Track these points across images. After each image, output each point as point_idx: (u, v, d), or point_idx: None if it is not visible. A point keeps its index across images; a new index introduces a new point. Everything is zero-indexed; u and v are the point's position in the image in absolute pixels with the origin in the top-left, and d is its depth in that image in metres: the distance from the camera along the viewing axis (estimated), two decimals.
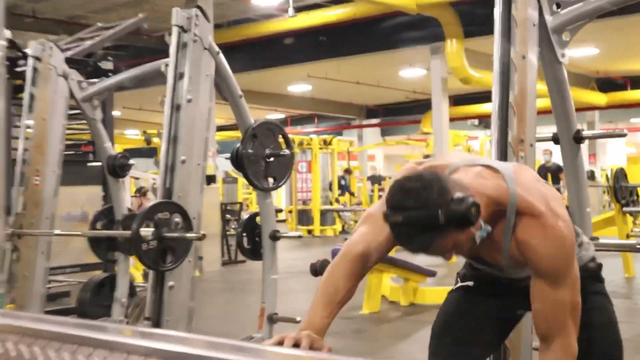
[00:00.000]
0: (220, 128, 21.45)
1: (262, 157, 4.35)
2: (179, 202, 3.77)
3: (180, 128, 3.86)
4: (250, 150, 4.29)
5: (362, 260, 1.95)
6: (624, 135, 3.04)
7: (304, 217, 17.60)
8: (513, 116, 2.75)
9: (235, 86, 4.26)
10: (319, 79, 17.82)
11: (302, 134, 23.27)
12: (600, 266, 2.29)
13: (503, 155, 2.74)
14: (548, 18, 2.91)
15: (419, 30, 14.01)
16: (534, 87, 2.84)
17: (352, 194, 19.31)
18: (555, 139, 3.11)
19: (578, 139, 3.07)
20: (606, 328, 2.24)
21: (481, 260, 2.15)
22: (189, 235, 3.69)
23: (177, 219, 3.70)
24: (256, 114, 24.02)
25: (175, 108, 3.89)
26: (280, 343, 1.68)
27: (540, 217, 1.86)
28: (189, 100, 3.86)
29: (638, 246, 2.71)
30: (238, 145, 4.31)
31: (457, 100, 19.64)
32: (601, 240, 2.83)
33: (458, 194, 1.74)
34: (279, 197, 26.21)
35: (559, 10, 2.93)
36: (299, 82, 18.95)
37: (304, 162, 18.33)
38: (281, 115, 24.94)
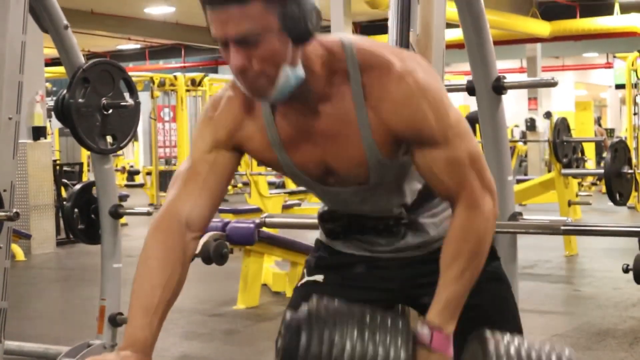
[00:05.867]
0: (53, 62, 20.87)
1: (97, 109, 4.32)
2: None
3: None
4: (80, 100, 4.25)
5: (184, 230, 1.90)
6: (553, 85, 3.11)
7: (167, 181, 17.44)
8: None
9: (58, 13, 4.19)
10: None
11: (164, 70, 22.97)
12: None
13: None
14: None
15: None
16: (443, 20, 2.84)
17: None
18: (470, 89, 3.15)
19: (499, 88, 3.12)
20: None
21: (333, 178, 2.00)
22: None
23: None
24: (104, 44, 23.36)
25: None
26: None
27: (391, 67, 1.83)
28: None
29: (564, 227, 2.79)
30: (64, 92, 4.23)
31: (365, 28, 19.76)
32: (524, 219, 2.89)
33: None
34: (136, 155, 25.92)
35: None
36: (159, 1, 18.62)
37: (167, 107, 18.11)
38: (136, 46, 24.53)
